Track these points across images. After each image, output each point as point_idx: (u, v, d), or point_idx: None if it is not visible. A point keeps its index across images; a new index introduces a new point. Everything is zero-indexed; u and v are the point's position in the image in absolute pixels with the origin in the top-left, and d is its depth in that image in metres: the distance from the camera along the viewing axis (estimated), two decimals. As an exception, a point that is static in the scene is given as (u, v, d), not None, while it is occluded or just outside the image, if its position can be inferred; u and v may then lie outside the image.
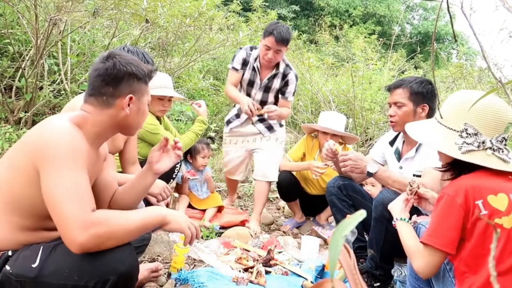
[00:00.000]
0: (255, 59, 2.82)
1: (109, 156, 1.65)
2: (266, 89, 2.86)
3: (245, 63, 2.84)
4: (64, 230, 1.07)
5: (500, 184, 1.21)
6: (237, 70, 2.84)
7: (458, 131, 1.29)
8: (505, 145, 1.27)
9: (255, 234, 2.66)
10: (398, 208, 1.53)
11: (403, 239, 1.40)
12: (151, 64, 1.97)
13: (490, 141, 1.25)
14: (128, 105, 1.30)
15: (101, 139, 1.33)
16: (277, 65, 2.81)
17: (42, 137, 1.14)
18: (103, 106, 1.28)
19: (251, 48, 2.90)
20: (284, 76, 2.83)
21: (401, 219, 1.48)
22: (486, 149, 1.24)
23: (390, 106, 2.07)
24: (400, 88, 2.01)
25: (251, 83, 2.86)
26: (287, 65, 2.87)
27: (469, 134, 1.26)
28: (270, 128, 2.97)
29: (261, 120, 2.93)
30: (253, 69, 2.82)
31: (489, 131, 1.26)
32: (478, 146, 1.25)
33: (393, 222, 1.51)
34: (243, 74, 2.85)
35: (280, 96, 2.90)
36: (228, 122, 3.04)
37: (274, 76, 2.83)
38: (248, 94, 2.89)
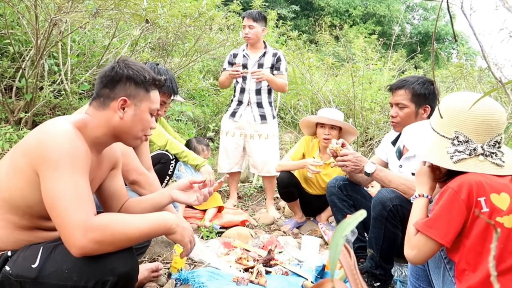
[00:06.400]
0: (243, 50, 3.29)
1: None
2: (260, 66, 3.20)
3: (234, 56, 3.30)
4: (64, 234, 1.07)
5: (504, 184, 1.22)
6: (225, 69, 3.31)
7: (450, 139, 1.30)
8: (498, 147, 1.27)
9: (255, 234, 2.67)
10: (424, 181, 1.42)
11: (410, 219, 1.35)
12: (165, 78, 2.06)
13: (482, 147, 1.26)
14: (123, 108, 1.28)
15: (101, 144, 1.32)
16: (265, 46, 3.27)
17: (42, 139, 1.14)
18: (100, 108, 1.28)
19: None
20: (275, 54, 3.23)
21: (424, 196, 1.38)
22: (478, 155, 1.25)
23: (392, 105, 2.07)
24: (402, 89, 2.00)
25: (245, 66, 3.22)
26: (274, 49, 3.36)
27: (460, 141, 1.27)
28: (263, 117, 3.23)
29: (258, 104, 3.22)
30: (244, 56, 3.25)
31: (480, 137, 1.26)
32: (470, 154, 1.25)
33: (411, 199, 1.43)
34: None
35: (274, 71, 3.22)
36: (234, 113, 3.28)
37: (264, 54, 3.23)
38: (244, 78, 3.21)
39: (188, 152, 2.65)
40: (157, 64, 2.20)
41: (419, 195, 1.39)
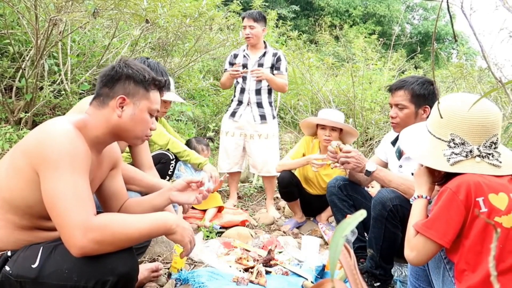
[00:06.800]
0: (244, 50, 3.30)
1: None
2: (260, 66, 3.20)
3: (235, 57, 3.31)
4: (64, 234, 1.07)
5: (502, 184, 1.22)
6: (226, 70, 3.31)
7: (446, 141, 1.31)
8: (495, 148, 1.28)
9: (255, 234, 2.68)
10: (423, 181, 1.42)
11: (409, 221, 1.36)
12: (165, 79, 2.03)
13: (478, 148, 1.26)
14: (121, 107, 1.27)
15: (100, 143, 1.31)
16: (265, 46, 3.27)
17: (42, 139, 1.14)
18: (100, 107, 1.28)
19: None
20: (275, 54, 3.24)
21: (423, 197, 1.38)
22: (475, 157, 1.26)
23: (391, 106, 2.07)
24: (401, 90, 2.00)
25: (245, 66, 3.23)
26: (274, 49, 3.36)
27: (456, 144, 1.28)
28: (263, 117, 3.23)
29: (258, 104, 3.22)
30: (244, 56, 3.26)
31: (476, 139, 1.27)
32: (466, 156, 1.26)
33: (411, 200, 1.44)
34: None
35: (274, 71, 3.22)
36: (234, 113, 3.28)
37: (264, 54, 3.23)
38: (244, 78, 3.22)
39: (190, 151, 2.66)
40: (147, 59, 2.19)
41: (418, 196, 1.40)
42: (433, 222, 1.24)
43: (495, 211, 1.18)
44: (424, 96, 1.97)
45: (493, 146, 1.28)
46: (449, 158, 1.28)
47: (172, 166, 2.61)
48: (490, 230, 1.17)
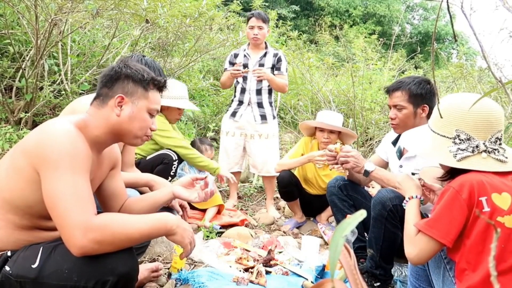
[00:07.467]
0: (244, 50, 3.29)
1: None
2: (260, 66, 3.20)
3: (235, 56, 3.30)
4: (65, 234, 1.07)
5: (506, 184, 1.22)
6: (226, 69, 3.30)
7: (451, 138, 1.31)
8: (500, 144, 1.28)
9: (255, 234, 2.68)
10: (410, 184, 1.49)
11: (406, 221, 1.38)
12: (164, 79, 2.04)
13: (484, 144, 1.26)
14: (120, 106, 1.27)
15: (101, 143, 1.31)
16: (265, 47, 3.27)
17: (42, 139, 1.14)
18: (100, 107, 1.29)
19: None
20: (275, 54, 3.24)
21: (414, 197, 1.44)
22: (481, 152, 1.26)
23: (390, 108, 2.08)
24: (398, 90, 2.01)
25: (245, 66, 3.22)
26: (275, 49, 3.37)
27: (462, 140, 1.28)
28: (263, 117, 3.23)
29: (259, 104, 3.21)
30: (244, 56, 3.25)
31: (481, 134, 1.27)
32: (473, 151, 1.26)
33: (403, 203, 1.46)
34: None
35: (275, 72, 3.23)
36: (234, 113, 3.30)
37: (265, 54, 3.24)
38: (244, 78, 3.21)
39: (207, 158, 2.80)
40: (144, 56, 2.19)
41: (409, 198, 1.45)
42: (436, 221, 1.24)
43: (498, 211, 1.18)
44: (421, 95, 1.97)
45: (498, 141, 1.28)
46: (456, 154, 1.28)
47: (174, 167, 2.61)
48: (492, 230, 1.17)
